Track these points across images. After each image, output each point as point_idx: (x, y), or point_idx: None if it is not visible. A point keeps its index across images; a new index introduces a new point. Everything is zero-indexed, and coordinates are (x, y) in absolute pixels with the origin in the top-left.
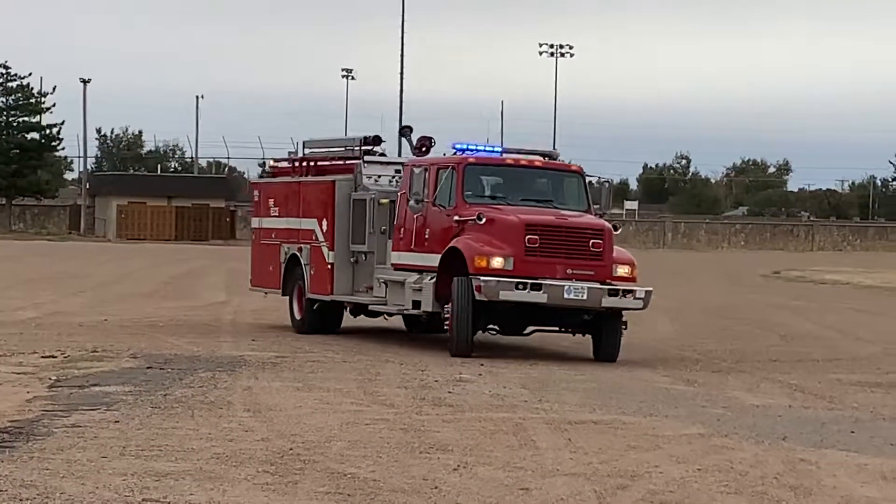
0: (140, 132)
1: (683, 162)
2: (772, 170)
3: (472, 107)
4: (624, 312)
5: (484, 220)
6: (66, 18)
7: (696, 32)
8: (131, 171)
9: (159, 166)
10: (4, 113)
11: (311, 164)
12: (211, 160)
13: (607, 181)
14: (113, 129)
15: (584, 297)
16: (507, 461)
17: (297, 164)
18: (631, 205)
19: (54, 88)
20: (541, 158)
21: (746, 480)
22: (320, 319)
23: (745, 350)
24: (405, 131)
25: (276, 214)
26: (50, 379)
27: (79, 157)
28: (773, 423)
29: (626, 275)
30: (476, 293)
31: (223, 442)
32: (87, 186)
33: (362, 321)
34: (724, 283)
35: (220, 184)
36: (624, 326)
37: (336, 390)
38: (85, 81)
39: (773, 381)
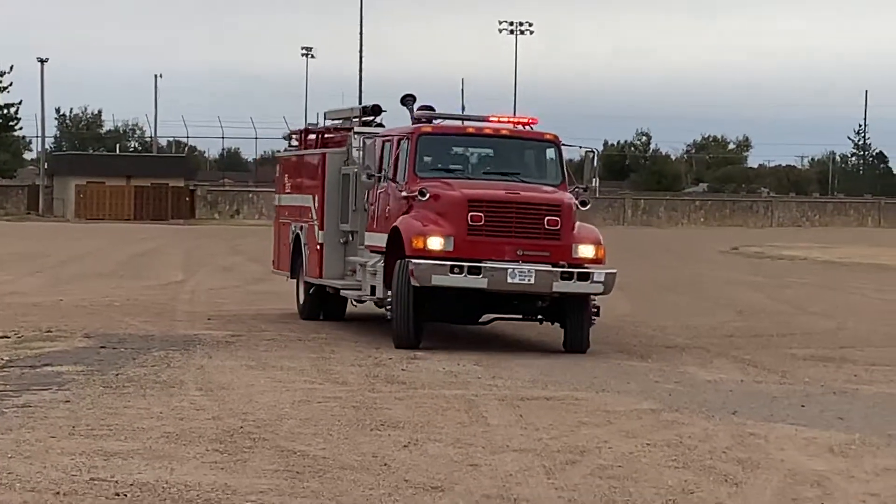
0: (99, 112)
1: (644, 139)
2: (732, 146)
3: (433, 85)
4: (596, 298)
5: (427, 195)
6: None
7: (656, 9)
8: (90, 151)
9: (118, 146)
10: None
11: (315, 136)
12: (171, 139)
13: (592, 151)
14: (72, 109)
15: (532, 281)
16: (457, 437)
17: (302, 136)
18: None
19: (11, 68)
20: (510, 126)
21: (695, 455)
22: (319, 305)
23: (701, 326)
24: (407, 100)
25: (289, 191)
26: (2, 359)
27: (37, 136)
28: (725, 397)
29: (588, 256)
30: (411, 278)
31: (174, 421)
32: (46, 166)
33: (369, 308)
34: (683, 259)
35: (180, 163)
36: (595, 313)
37: (290, 368)
38: (42, 61)
39: (726, 356)
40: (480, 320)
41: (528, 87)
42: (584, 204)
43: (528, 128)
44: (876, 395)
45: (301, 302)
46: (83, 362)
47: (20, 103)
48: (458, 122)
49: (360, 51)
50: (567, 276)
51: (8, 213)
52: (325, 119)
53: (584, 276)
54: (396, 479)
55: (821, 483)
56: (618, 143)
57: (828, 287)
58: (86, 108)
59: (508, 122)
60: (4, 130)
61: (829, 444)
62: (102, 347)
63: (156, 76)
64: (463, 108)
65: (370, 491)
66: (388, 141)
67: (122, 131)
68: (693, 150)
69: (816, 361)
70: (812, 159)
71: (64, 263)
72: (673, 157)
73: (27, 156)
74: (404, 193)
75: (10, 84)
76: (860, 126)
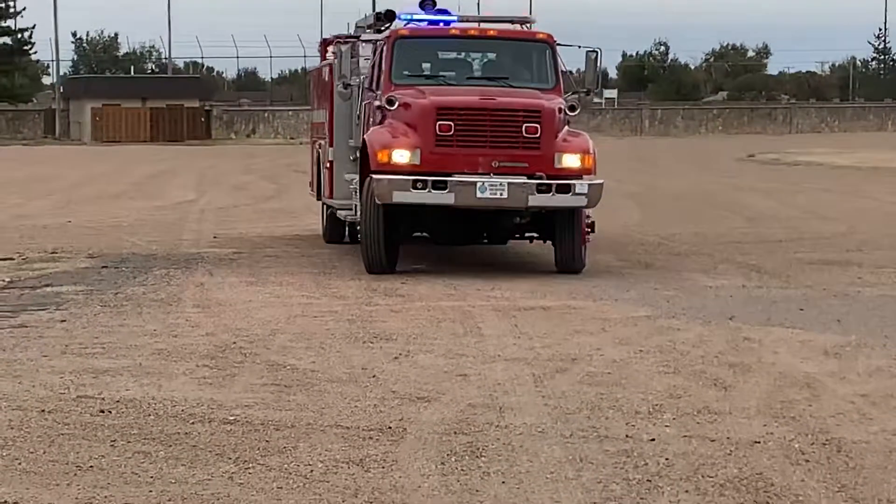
0: (116, 35)
1: (662, 49)
2: (751, 54)
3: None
4: (590, 213)
5: (396, 104)
6: None
7: None
8: (107, 74)
9: (134, 69)
10: None
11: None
12: (187, 61)
13: (594, 51)
14: (88, 33)
15: (504, 195)
16: (449, 348)
17: (322, 48)
18: (610, 93)
19: None
20: (499, 27)
21: (686, 360)
22: (340, 227)
23: (708, 233)
24: (426, 3)
25: (315, 107)
26: (3, 280)
27: (52, 60)
28: (724, 303)
29: (572, 166)
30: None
31: (167, 338)
32: (62, 90)
33: None
34: (697, 168)
35: (195, 84)
36: (589, 230)
37: (289, 284)
38: None
39: (731, 262)
40: (462, 241)
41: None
42: (572, 109)
43: (525, 27)
44: (878, 297)
45: (323, 225)
46: (83, 282)
47: (34, 27)
48: (442, 24)
49: None
50: (544, 189)
51: (25, 137)
52: (354, 30)
53: (565, 188)
54: (383, 390)
55: (810, 385)
56: (636, 53)
57: (842, 192)
58: (102, 32)
59: (499, 21)
60: (19, 55)
61: (823, 346)
62: (104, 267)
63: None
64: (479, 12)
65: (355, 403)
66: (365, 47)
67: (138, 54)
68: (712, 59)
69: (822, 265)
70: (833, 65)
71: (76, 186)
72: (692, 67)
73: (45, 80)
74: (377, 103)
75: (24, 9)
76: (880, 30)
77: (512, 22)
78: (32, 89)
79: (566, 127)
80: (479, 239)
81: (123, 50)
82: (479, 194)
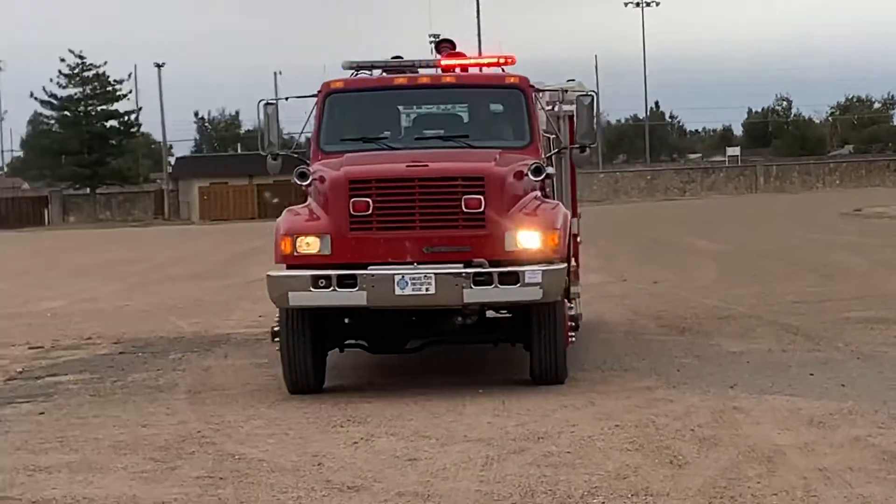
0: (237, 112)
1: (784, 104)
2: (877, 105)
3: (565, 64)
4: (575, 307)
5: (309, 179)
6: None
7: None
8: (228, 152)
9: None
10: (82, 102)
11: None
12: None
13: (588, 95)
14: (210, 112)
15: (431, 290)
16: (418, 430)
17: None
18: (733, 151)
19: (130, 75)
20: (460, 73)
21: (658, 435)
22: None
23: (772, 293)
24: (443, 46)
25: None
26: (16, 371)
27: (162, 141)
28: (735, 370)
29: (529, 247)
30: None
31: (135, 428)
32: (170, 170)
33: None
34: (796, 224)
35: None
36: (573, 327)
37: None
38: (159, 66)
39: (774, 324)
40: (410, 346)
41: (658, 59)
42: (537, 172)
43: (501, 70)
44: None
45: None
46: (91, 370)
47: (140, 110)
48: (394, 74)
49: (479, 44)
50: (483, 281)
51: (136, 218)
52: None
53: (511, 279)
54: (318, 480)
55: (772, 459)
56: (762, 109)
57: None
58: (223, 111)
59: (466, 64)
60: (126, 137)
61: (812, 415)
62: (121, 353)
63: (275, 73)
64: (597, 86)
65: (281, 495)
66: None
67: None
68: (837, 112)
69: (868, 324)
70: None
71: (159, 267)
72: (817, 121)
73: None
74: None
75: (130, 91)
76: None
77: (479, 64)
78: (144, 171)
79: (535, 195)
80: (427, 344)
81: (246, 126)
82: (398, 290)
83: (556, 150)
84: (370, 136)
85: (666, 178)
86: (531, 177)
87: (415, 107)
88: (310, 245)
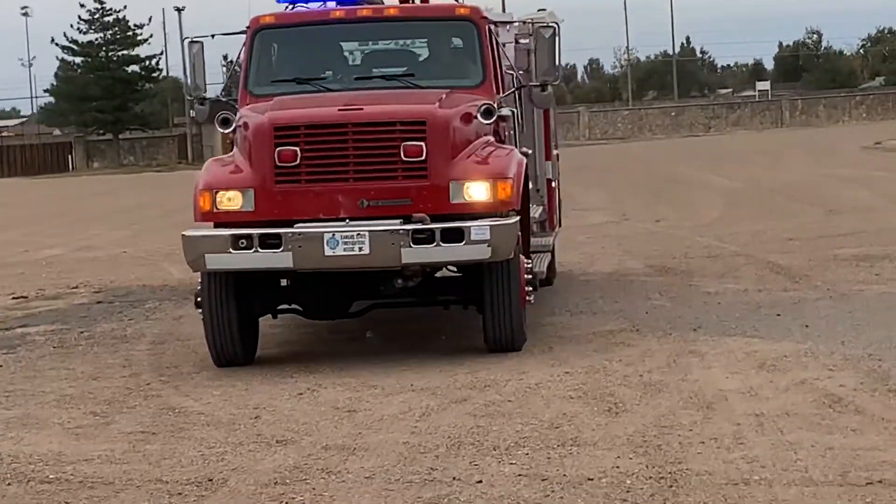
0: None
1: (815, 37)
2: None
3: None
4: (539, 264)
5: (232, 126)
6: None
7: None
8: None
9: None
10: (103, 48)
11: None
12: None
13: (550, 27)
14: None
15: (365, 249)
16: (366, 380)
17: None
18: (763, 85)
19: (150, 19)
20: (404, 5)
21: (606, 381)
22: None
23: (771, 230)
24: None
25: None
26: None
27: (185, 85)
28: (704, 312)
29: (479, 199)
30: None
31: (84, 381)
32: (193, 115)
33: None
34: (814, 159)
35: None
36: (531, 289)
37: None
38: (179, 10)
39: (759, 263)
40: (353, 310)
41: None
42: (487, 114)
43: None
44: (877, 296)
45: None
46: (63, 320)
47: (161, 54)
48: (322, 6)
49: None
50: (424, 239)
51: (160, 163)
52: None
53: (455, 235)
54: (248, 434)
55: (712, 406)
56: (793, 43)
57: None
58: None
59: None
60: (149, 82)
61: (766, 357)
62: (99, 303)
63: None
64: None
65: (204, 451)
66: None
67: None
68: (868, 44)
69: (854, 261)
70: None
71: (169, 212)
72: (847, 53)
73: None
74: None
75: (151, 36)
76: None
77: None
78: (165, 115)
79: (487, 140)
80: (371, 308)
81: None
82: (328, 251)
83: (514, 88)
84: (305, 76)
85: (691, 115)
86: (481, 119)
87: (358, 44)
88: (231, 200)
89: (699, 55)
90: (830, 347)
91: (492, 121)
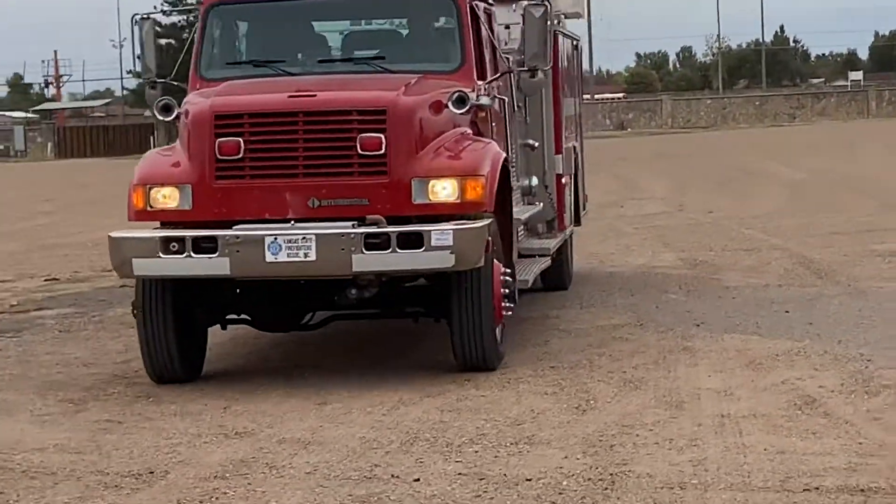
0: None
1: None
2: None
3: None
4: (524, 271)
5: (173, 113)
6: None
7: None
8: None
9: None
10: (185, 30)
11: None
12: None
13: (541, 5)
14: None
15: (311, 255)
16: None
17: None
18: (855, 75)
19: None
20: None
21: (587, 377)
22: None
23: (819, 224)
24: None
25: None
26: (10, 305)
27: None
28: (714, 308)
29: (444, 199)
30: None
31: (76, 368)
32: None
33: None
34: (888, 151)
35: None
36: (507, 302)
37: None
38: None
39: (796, 256)
40: (311, 321)
41: None
42: (460, 102)
43: None
44: (892, 293)
45: None
46: (81, 304)
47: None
48: None
49: None
50: (377, 244)
51: None
52: None
53: (413, 240)
54: (213, 425)
55: (682, 405)
56: (889, 32)
57: None
58: None
59: None
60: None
61: (756, 356)
62: (122, 286)
63: None
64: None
65: (164, 441)
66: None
67: None
68: None
69: (887, 256)
70: None
71: None
72: None
73: None
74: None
75: None
76: None
77: None
78: None
79: (461, 132)
80: (329, 320)
81: None
82: (269, 257)
83: (499, 74)
84: (262, 59)
85: (776, 104)
86: (453, 108)
87: (337, 24)
88: (167, 198)
89: (792, 44)
90: (825, 346)
91: (464, 110)
